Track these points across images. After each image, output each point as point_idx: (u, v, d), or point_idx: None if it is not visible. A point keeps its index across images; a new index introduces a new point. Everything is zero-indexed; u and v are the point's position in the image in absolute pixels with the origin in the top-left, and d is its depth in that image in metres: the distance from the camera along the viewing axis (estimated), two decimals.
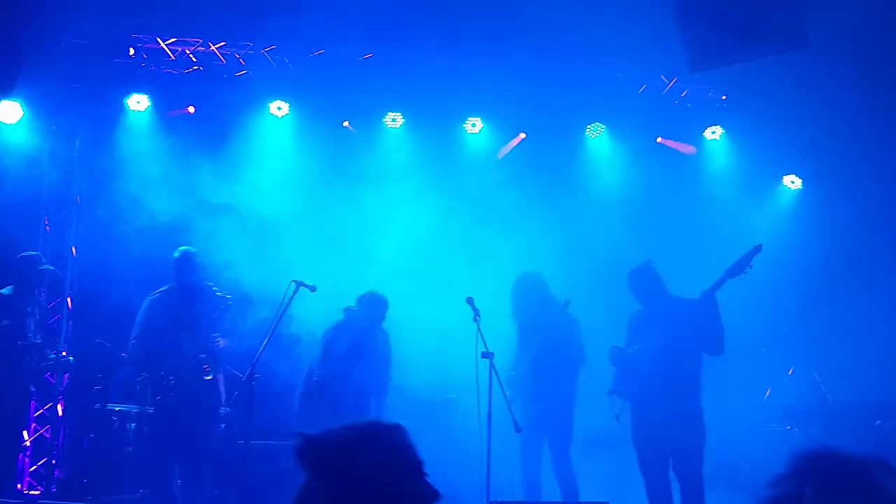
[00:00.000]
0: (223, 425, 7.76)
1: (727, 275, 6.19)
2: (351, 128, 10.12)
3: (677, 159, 10.46)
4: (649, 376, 6.34)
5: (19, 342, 7.51)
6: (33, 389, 7.84)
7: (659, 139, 10.56)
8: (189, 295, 7.08)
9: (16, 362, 7.46)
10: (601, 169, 10.51)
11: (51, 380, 8.83)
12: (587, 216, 10.00)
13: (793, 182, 10.59)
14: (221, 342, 7.02)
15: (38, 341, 7.73)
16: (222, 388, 7.23)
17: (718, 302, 6.28)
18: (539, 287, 7.54)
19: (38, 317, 7.82)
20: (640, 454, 6.52)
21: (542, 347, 7.23)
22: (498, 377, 6.29)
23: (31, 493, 8.59)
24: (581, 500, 7.03)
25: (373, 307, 7.64)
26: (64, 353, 8.16)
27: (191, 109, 9.76)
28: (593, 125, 10.39)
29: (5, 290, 7.70)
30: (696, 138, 10.54)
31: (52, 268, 8.50)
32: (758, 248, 6.18)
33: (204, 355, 6.93)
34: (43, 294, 8.45)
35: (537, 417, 7.06)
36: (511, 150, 10.39)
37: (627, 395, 6.55)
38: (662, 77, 10.19)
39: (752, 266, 6.15)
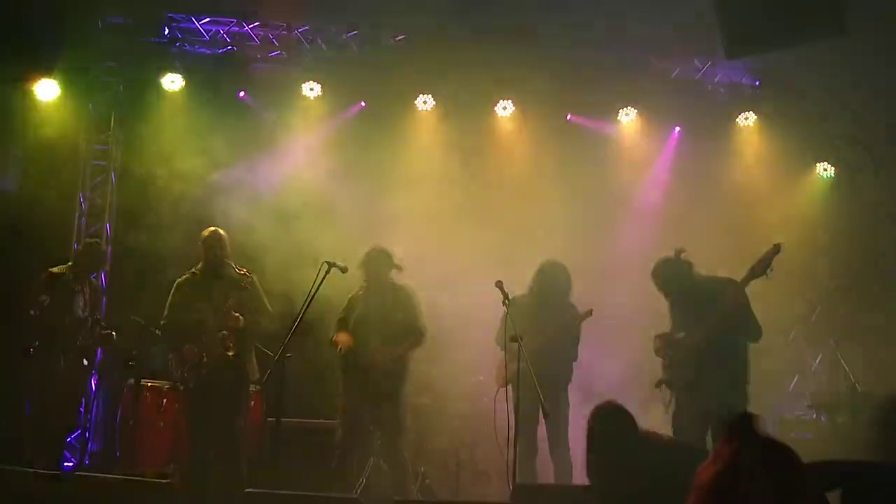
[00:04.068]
0: (252, 403, 7.80)
1: (750, 274, 6.06)
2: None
3: (710, 145, 10.37)
4: (700, 365, 6.19)
5: (67, 317, 7.70)
6: (86, 363, 8.02)
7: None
8: (214, 273, 7.15)
9: (65, 337, 7.67)
10: (632, 153, 10.45)
11: None
12: (616, 201, 9.98)
13: (825, 170, 10.49)
14: (240, 320, 7.03)
15: (86, 314, 7.90)
16: (252, 366, 7.26)
17: (748, 296, 6.16)
18: (566, 281, 7.48)
19: (88, 295, 7.99)
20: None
21: (549, 339, 7.20)
22: (527, 361, 6.30)
23: (66, 464, 8.75)
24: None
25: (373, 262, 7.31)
26: (107, 329, 8.31)
27: (241, 94, 9.86)
28: (625, 109, 10.34)
29: (56, 269, 7.86)
30: (728, 124, 10.46)
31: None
32: (776, 249, 6.00)
33: (225, 332, 6.97)
34: (95, 276, 8.58)
35: (534, 406, 6.59)
36: (540, 133, 10.33)
37: (678, 386, 6.42)
38: (696, 62, 10.11)
39: (772, 269, 5.97)
